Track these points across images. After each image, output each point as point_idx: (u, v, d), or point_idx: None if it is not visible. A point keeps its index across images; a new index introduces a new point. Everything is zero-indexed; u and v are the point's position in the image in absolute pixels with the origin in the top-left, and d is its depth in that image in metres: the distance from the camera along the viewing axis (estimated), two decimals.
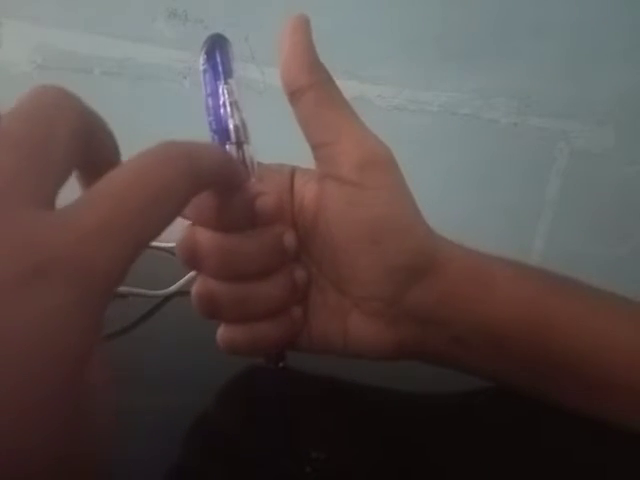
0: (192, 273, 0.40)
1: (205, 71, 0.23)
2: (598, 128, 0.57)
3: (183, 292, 0.38)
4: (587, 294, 0.26)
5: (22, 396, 0.11)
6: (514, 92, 0.55)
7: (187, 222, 0.24)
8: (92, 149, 0.17)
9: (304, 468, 0.22)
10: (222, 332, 0.25)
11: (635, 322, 0.25)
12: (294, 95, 0.23)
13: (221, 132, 0.23)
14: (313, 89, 0.23)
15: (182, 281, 0.39)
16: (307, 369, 0.29)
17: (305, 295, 0.26)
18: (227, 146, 0.23)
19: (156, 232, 0.15)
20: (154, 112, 0.53)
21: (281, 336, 0.25)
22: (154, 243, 0.53)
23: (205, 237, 0.23)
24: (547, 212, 0.60)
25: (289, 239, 0.24)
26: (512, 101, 0.56)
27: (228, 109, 0.23)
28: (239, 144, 0.23)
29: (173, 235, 0.47)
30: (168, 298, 0.37)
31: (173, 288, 0.38)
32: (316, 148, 0.24)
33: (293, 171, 0.26)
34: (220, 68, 0.23)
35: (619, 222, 0.60)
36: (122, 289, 0.36)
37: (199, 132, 0.58)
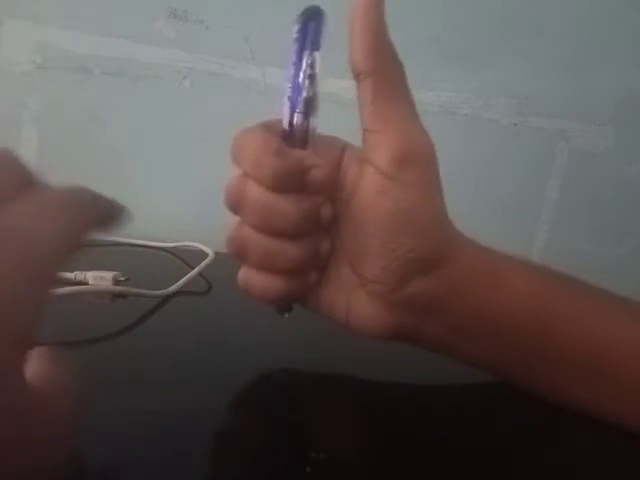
0: (192, 273, 0.40)
1: (296, 40, 0.24)
2: (598, 128, 0.57)
3: (183, 292, 0.38)
4: (591, 292, 0.27)
5: None
6: (514, 92, 0.56)
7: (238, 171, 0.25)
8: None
9: (304, 468, 0.22)
10: (243, 273, 0.26)
11: (637, 319, 0.26)
12: (357, 78, 0.24)
13: (293, 100, 0.24)
14: (372, 76, 0.23)
15: (182, 281, 0.39)
16: (307, 370, 0.29)
17: (324, 264, 0.27)
18: (295, 114, 0.24)
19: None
20: (154, 112, 0.53)
21: (293, 293, 0.26)
22: (154, 243, 0.52)
23: (253, 190, 0.24)
24: (547, 212, 0.60)
25: (325, 212, 0.25)
26: (512, 101, 0.56)
27: (306, 80, 0.24)
28: (306, 114, 0.24)
29: (173, 235, 0.47)
30: (168, 298, 0.37)
31: (173, 288, 0.38)
32: (364, 132, 0.25)
33: (344, 148, 0.26)
34: (309, 40, 0.23)
35: (619, 222, 0.60)
36: (122, 289, 0.36)
37: (199, 132, 0.58)
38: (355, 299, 0.26)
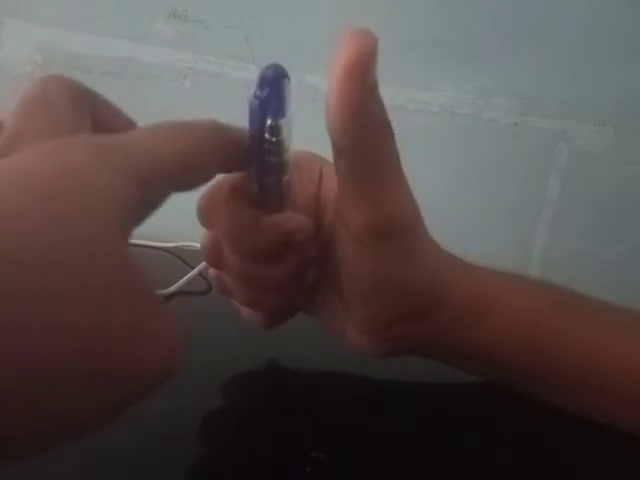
0: (192, 273, 0.40)
1: (255, 109, 0.20)
2: (598, 128, 0.57)
3: (183, 292, 0.38)
4: (587, 306, 0.26)
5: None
6: (514, 92, 0.55)
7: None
8: (97, 115, 0.19)
9: (304, 468, 0.22)
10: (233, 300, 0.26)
11: (636, 335, 0.25)
12: (335, 148, 0.21)
13: (260, 169, 0.21)
14: (347, 155, 0.20)
15: (182, 281, 0.39)
16: (307, 370, 0.29)
17: (313, 289, 0.26)
18: (266, 179, 0.22)
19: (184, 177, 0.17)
20: (154, 112, 0.53)
21: (279, 322, 0.27)
22: (154, 243, 0.52)
23: (229, 257, 0.23)
24: (547, 212, 0.60)
25: (309, 265, 0.25)
26: (512, 101, 0.56)
27: (271, 147, 0.20)
28: (277, 177, 0.22)
29: (173, 235, 0.47)
30: (168, 298, 0.37)
31: (173, 288, 0.38)
32: (339, 197, 0.23)
33: (321, 171, 0.25)
34: (271, 108, 0.20)
35: (619, 222, 0.60)
36: None
37: None
38: (346, 327, 0.26)
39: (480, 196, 0.58)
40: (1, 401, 0.10)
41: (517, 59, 0.54)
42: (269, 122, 0.20)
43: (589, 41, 0.54)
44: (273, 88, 0.19)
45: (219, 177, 0.22)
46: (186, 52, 0.52)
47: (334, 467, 0.23)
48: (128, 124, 0.21)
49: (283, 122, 0.20)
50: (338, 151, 0.20)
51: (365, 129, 0.19)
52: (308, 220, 0.23)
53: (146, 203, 0.15)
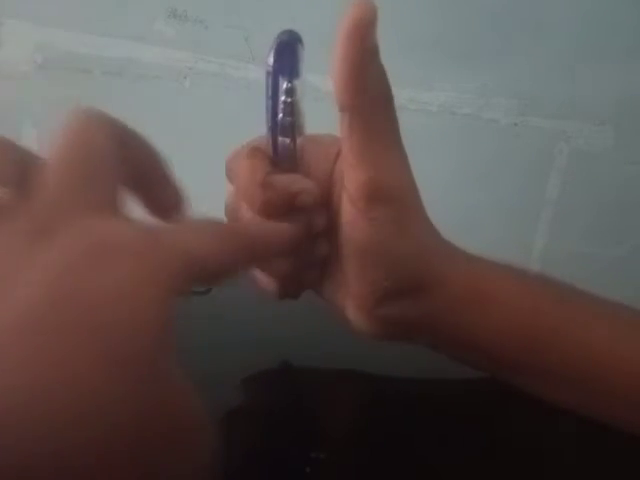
0: None
1: (270, 72, 0.22)
2: (598, 128, 0.57)
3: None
4: (588, 304, 0.26)
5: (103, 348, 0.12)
6: (514, 92, 0.56)
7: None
8: (131, 155, 0.19)
9: (304, 468, 0.22)
10: None
11: (637, 331, 0.25)
12: (338, 108, 0.23)
13: (274, 129, 0.23)
14: (349, 111, 0.22)
15: None
16: (308, 369, 0.29)
17: (323, 262, 0.27)
18: (279, 139, 0.23)
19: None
20: (154, 112, 0.53)
21: (290, 293, 0.27)
22: None
23: (245, 213, 0.25)
24: (547, 212, 0.60)
25: (318, 225, 0.25)
26: (512, 101, 0.56)
27: (288, 109, 0.22)
28: (291, 138, 0.23)
29: None
30: None
31: None
32: (342, 160, 0.24)
33: (339, 152, 0.26)
34: (286, 70, 0.22)
35: (619, 222, 0.60)
36: None
37: (199, 131, 0.58)
38: (347, 303, 0.26)
39: (480, 196, 0.58)
40: None
41: (517, 59, 0.54)
42: (285, 84, 0.22)
43: (589, 41, 0.54)
44: (288, 51, 0.21)
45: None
46: (186, 52, 0.52)
47: (334, 467, 0.23)
48: (157, 161, 0.20)
49: (297, 83, 0.22)
50: (340, 108, 0.22)
51: (365, 88, 0.21)
52: (314, 184, 0.24)
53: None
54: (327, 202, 0.25)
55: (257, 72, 0.52)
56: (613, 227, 0.60)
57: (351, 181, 0.23)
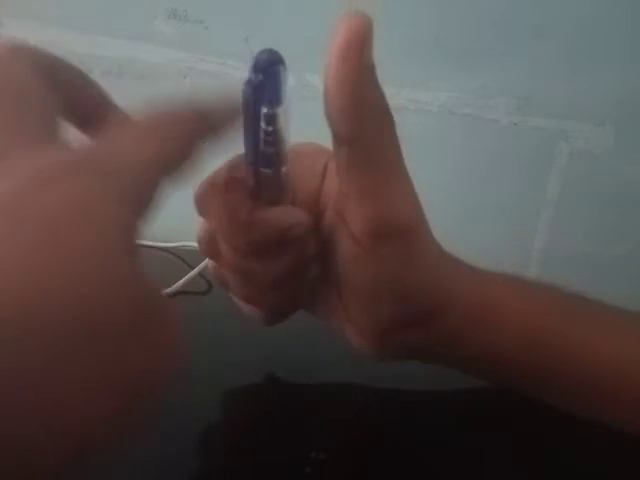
0: (192, 273, 0.40)
1: (249, 97, 0.19)
2: (598, 128, 0.57)
3: (183, 292, 0.38)
4: (595, 316, 0.26)
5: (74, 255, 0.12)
6: (514, 92, 0.55)
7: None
8: (61, 83, 0.18)
9: (304, 468, 0.22)
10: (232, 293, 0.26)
11: None
12: (334, 140, 0.20)
13: (256, 161, 0.20)
14: (348, 145, 0.20)
15: (182, 281, 0.39)
16: (308, 369, 0.29)
17: (313, 286, 0.25)
18: (261, 170, 0.21)
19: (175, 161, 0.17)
20: None
21: (278, 320, 0.26)
22: (154, 243, 0.52)
23: (225, 252, 0.23)
24: (547, 212, 0.60)
25: (308, 257, 0.23)
26: (512, 101, 0.56)
27: (267, 137, 0.19)
28: (275, 168, 0.21)
29: (173, 235, 0.47)
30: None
31: (173, 288, 0.38)
32: (339, 193, 0.22)
33: (326, 166, 0.24)
34: (266, 96, 0.18)
35: (619, 222, 0.60)
36: None
37: None
38: (345, 328, 0.25)
39: (480, 196, 0.58)
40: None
41: (517, 59, 0.54)
42: (264, 110, 0.18)
43: (589, 41, 0.54)
44: (268, 74, 0.18)
45: (215, 169, 0.22)
46: (186, 52, 0.52)
47: (334, 467, 0.23)
48: (99, 94, 0.20)
49: (279, 110, 0.18)
50: (338, 139, 0.19)
51: (364, 113, 0.19)
52: (306, 215, 0.22)
53: (142, 215, 0.15)
54: (317, 223, 0.23)
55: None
56: (613, 227, 0.60)
57: (353, 217, 0.21)
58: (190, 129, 0.17)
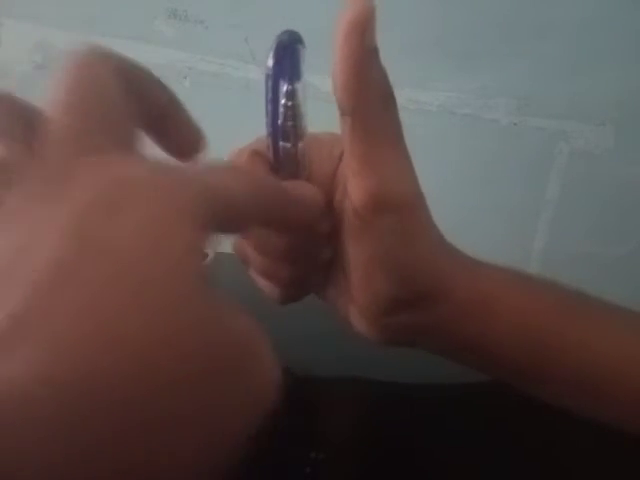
0: None
1: (270, 74, 0.21)
2: (598, 128, 0.57)
3: None
4: (596, 313, 0.26)
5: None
6: (514, 92, 0.55)
7: None
8: (141, 92, 0.18)
9: (304, 468, 0.22)
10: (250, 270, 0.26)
11: None
12: (340, 111, 0.22)
13: (275, 134, 0.22)
14: (351, 115, 0.21)
15: None
16: (308, 369, 0.29)
17: (327, 267, 0.26)
18: (280, 145, 0.22)
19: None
20: None
21: (293, 297, 0.27)
22: None
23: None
24: (547, 212, 0.60)
25: (322, 231, 0.24)
26: (512, 101, 0.56)
27: (288, 113, 0.21)
28: (293, 143, 0.22)
29: None
30: None
31: None
32: (344, 166, 0.23)
33: (342, 152, 0.24)
34: (287, 72, 0.21)
35: (619, 222, 0.60)
36: None
37: None
38: (350, 310, 0.26)
39: (480, 196, 0.58)
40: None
41: (517, 59, 0.54)
42: (285, 86, 0.20)
43: (589, 41, 0.54)
44: (288, 52, 0.20)
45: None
46: (186, 52, 0.52)
47: (334, 467, 0.23)
48: (170, 99, 0.20)
49: (298, 86, 0.21)
50: (342, 112, 0.21)
51: (367, 89, 0.20)
52: (318, 191, 0.23)
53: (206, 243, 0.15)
54: (330, 205, 0.24)
55: (257, 72, 0.52)
56: (613, 227, 0.60)
57: (354, 189, 0.22)
58: (278, 205, 0.19)
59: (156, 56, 0.52)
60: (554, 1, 0.53)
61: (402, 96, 0.54)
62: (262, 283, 0.27)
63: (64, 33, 0.51)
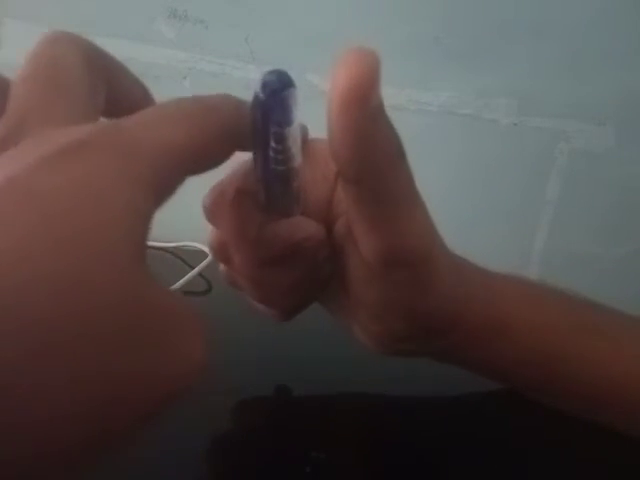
0: (192, 273, 0.40)
1: (257, 120, 0.18)
2: (598, 128, 0.57)
3: (183, 292, 0.38)
4: (609, 327, 0.26)
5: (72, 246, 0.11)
6: (514, 92, 0.55)
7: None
8: (102, 71, 0.17)
9: (304, 468, 0.22)
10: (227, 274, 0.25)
11: None
12: (341, 178, 0.19)
13: (265, 178, 0.20)
14: (355, 185, 0.19)
15: (182, 281, 0.39)
16: (307, 369, 0.29)
17: (326, 284, 0.25)
18: (272, 186, 0.20)
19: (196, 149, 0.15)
20: None
21: (291, 316, 0.26)
22: (154, 243, 0.52)
23: (237, 261, 0.22)
24: (547, 212, 0.60)
25: (323, 256, 0.23)
26: (512, 101, 0.56)
27: (278, 156, 0.19)
28: (288, 188, 0.20)
29: (173, 235, 0.47)
30: None
31: (173, 288, 0.38)
32: (349, 222, 0.21)
33: (338, 174, 0.22)
34: (274, 119, 0.17)
35: (619, 222, 0.60)
36: None
37: None
38: (353, 326, 0.25)
39: (480, 196, 0.58)
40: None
41: (517, 59, 0.54)
42: (273, 130, 0.18)
43: (589, 41, 0.54)
44: (275, 98, 0.17)
45: (224, 177, 0.21)
46: (186, 52, 0.52)
47: (334, 467, 0.23)
48: (144, 94, 0.20)
49: (289, 130, 0.18)
50: (345, 180, 0.19)
51: (371, 158, 0.18)
52: (318, 227, 0.21)
53: (158, 205, 0.14)
54: (330, 228, 0.23)
55: (257, 72, 0.52)
56: (613, 227, 0.60)
57: (363, 244, 0.20)
58: (227, 125, 0.16)
59: (156, 56, 0.52)
60: (554, 1, 0.53)
61: (402, 96, 0.54)
62: (258, 307, 0.26)
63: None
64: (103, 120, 0.17)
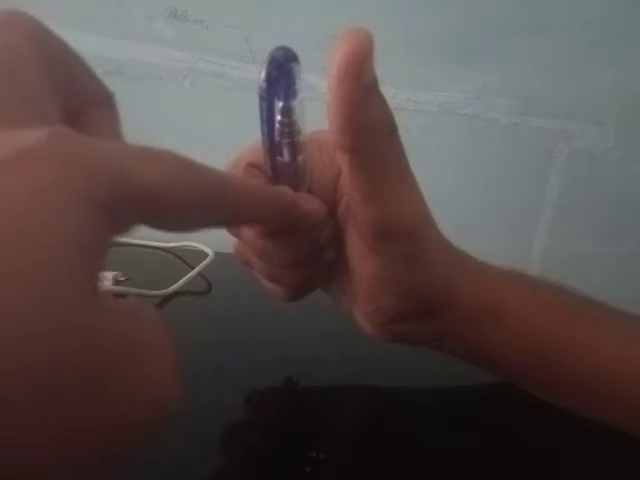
0: (192, 273, 0.40)
1: (263, 95, 0.20)
2: (598, 128, 0.57)
3: (183, 292, 0.38)
4: (604, 318, 0.26)
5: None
6: (514, 92, 0.55)
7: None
8: (53, 55, 0.17)
9: (304, 468, 0.22)
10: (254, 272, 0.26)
11: None
12: (337, 148, 0.21)
13: (272, 152, 0.21)
14: (350, 154, 0.20)
15: (182, 281, 0.39)
16: (307, 369, 0.29)
17: (330, 266, 0.26)
18: (277, 160, 0.21)
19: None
20: (154, 112, 0.53)
21: (298, 296, 0.26)
22: (154, 243, 0.52)
23: (245, 232, 0.23)
24: (547, 212, 0.60)
25: (325, 238, 0.24)
26: (512, 101, 0.56)
27: (284, 129, 0.20)
28: (291, 158, 0.21)
29: (173, 235, 0.47)
30: (168, 298, 0.37)
31: (173, 288, 0.38)
32: (348, 197, 0.23)
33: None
34: (280, 93, 0.19)
35: (619, 222, 0.60)
36: (122, 289, 0.36)
37: (199, 131, 0.58)
38: (354, 310, 0.26)
39: (480, 196, 0.58)
40: None
41: (517, 59, 0.54)
42: (280, 103, 0.19)
43: (589, 41, 0.54)
44: (281, 71, 0.19)
45: (240, 152, 0.23)
46: (186, 52, 0.52)
47: (334, 467, 0.23)
48: (106, 96, 0.19)
49: (294, 103, 0.19)
50: (340, 149, 0.20)
51: (364, 128, 0.19)
52: (320, 204, 0.22)
53: (115, 233, 0.13)
54: (333, 210, 0.24)
55: (257, 72, 0.52)
56: (613, 227, 0.60)
57: (359, 219, 0.22)
58: (208, 189, 0.16)
59: (156, 56, 0.52)
60: (554, 1, 0.53)
61: (402, 96, 0.54)
62: (267, 285, 0.26)
63: (64, 33, 0.51)
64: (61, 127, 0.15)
